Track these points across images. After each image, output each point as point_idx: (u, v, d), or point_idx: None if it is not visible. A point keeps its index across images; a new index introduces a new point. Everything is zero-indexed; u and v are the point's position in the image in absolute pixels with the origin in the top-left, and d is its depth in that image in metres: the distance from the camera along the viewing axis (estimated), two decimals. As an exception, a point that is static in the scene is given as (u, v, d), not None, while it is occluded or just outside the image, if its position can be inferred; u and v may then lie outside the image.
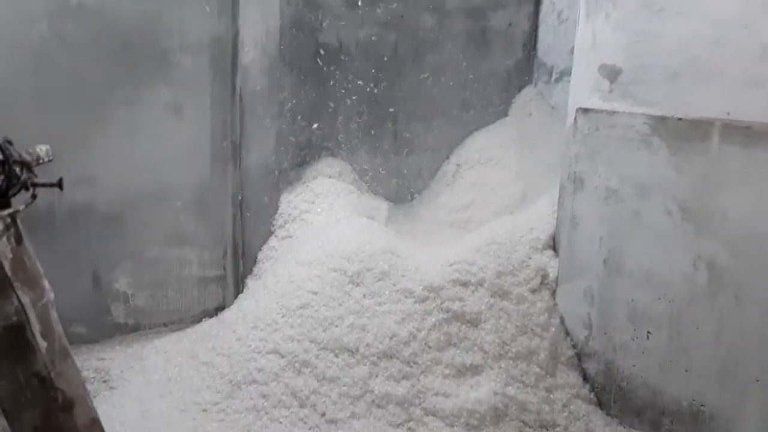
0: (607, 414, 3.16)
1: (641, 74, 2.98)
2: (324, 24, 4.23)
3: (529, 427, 3.00)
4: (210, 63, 3.64)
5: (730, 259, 2.71)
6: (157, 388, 3.13)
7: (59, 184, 1.43)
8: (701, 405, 2.83)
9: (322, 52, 4.25)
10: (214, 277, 3.85)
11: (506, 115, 4.94)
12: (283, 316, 3.23)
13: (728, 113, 2.70)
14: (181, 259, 3.74)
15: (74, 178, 3.35)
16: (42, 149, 1.48)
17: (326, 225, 3.87)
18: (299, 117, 4.25)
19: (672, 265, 2.89)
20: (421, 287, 3.33)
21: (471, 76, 4.77)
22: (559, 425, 3.03)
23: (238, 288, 3.88)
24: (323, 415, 2.92)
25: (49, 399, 1.37)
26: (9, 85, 3.09)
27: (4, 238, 1.34)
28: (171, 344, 3.50)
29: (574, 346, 3.32)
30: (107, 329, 3.60)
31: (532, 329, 3.31)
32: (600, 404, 3.19)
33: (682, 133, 2.82)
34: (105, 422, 1.63)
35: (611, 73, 3.11)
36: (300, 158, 4.33)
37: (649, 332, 3.00)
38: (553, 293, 3.44)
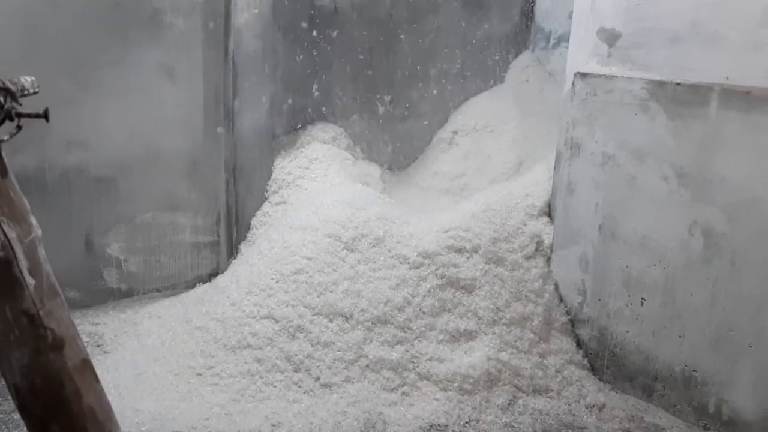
0: (600, 379, 3.18)
1: (641, 38, 2.94)
2: (319, -14, 4.16)
3: (523, 392, 3.01)
4: (202, 24, 3.57)
5: (726, 225, 2.70)
6: (151, 352, 3.13)
7: (45, 115, 1.35)
8: (693, 370, 2.85)
9: (316, 15, 4.18)
10: (207, 242, 3.83)
11: (503, 81, 4.89)
12: (277, 282, 3.22)
13: (727, 78, 2.67)
14: (174, 225, 3.72)
15: (65, 140, 3.32)
16: (27, 80, 1.39)
17: (321, 191, 3.84)
18: (293, 81, 4.19)
19: (667, 231, 2.89)
20: (416, 253, 3.32)
21: (468, 41, 4.71)
22: (552, 390, 3.05)
23: (232, 254, 3.87)
24: (317, 379, 2.93)
25: (38, 337, 1.32)
26: (-3, 46, 3.03)
27: (-12, 170, 1.26)
28: (165, 309, 3.50)
29: (567, 313, 3.33)
30: (100, 294, 3.59)
31: (526, 295, 3.31)
32: (593, 370, 3.21)
33: (681, 98, 2.79)
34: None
35: (610, 37, 3.06)
36: (294, 123, 4.28)
37: (643, 298, 3.00)
38: (548, 260, 3.44)
